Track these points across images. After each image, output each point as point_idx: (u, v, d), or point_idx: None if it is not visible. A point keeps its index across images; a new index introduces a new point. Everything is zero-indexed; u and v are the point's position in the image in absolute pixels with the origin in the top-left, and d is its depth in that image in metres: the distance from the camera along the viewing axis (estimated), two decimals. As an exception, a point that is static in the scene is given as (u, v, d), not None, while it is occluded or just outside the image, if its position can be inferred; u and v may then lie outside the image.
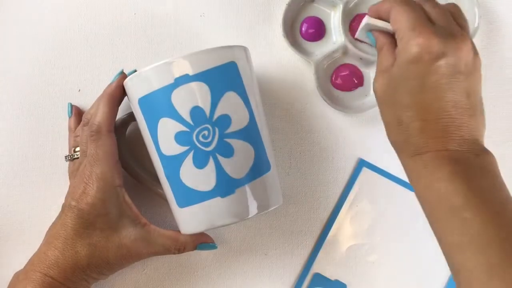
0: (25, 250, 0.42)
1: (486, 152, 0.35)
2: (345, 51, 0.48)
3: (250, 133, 0.39)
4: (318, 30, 0.49)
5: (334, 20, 0.49)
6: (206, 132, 0.37)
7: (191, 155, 0.38)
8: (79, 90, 0.48)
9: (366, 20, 0.42)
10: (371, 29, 0.42)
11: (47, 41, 0.48)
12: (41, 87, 0.48)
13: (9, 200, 0.47)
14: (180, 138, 0.38)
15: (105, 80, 0.42)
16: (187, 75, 0.37)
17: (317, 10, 0.49)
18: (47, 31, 0.48)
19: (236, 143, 0.38)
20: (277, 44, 0.49)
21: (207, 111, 0.37)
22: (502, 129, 0.49)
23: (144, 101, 0.38)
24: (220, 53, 0.38)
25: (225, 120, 0.38)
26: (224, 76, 0.38)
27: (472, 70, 0.36)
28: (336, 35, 0.48)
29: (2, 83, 0.48)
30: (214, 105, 0.37)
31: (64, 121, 0.47)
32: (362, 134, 0.49)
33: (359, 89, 0.49)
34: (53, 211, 0.42)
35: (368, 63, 0.48)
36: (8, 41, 0.48)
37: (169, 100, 0.37)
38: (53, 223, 0.42)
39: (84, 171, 0.40)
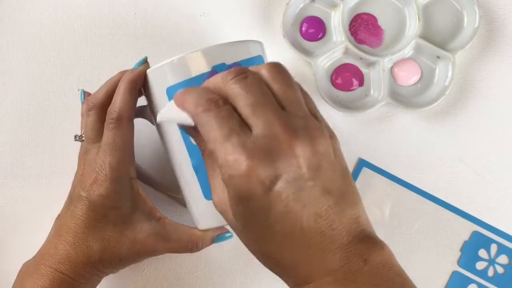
0: (24, 251, 0.42)
1: (374, 250, 0.29)
2: (345, 51, 0.48)
3: None
4: (318, 30, 0.49)
5: (334, 20, 0.48)
6: None
7: None
8: (79, 90, 0.48)
9: (159, 115, 0.33)
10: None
11: (47, 41, 0.48)
12: (41, 87, 0.48)
13: (7, 200, 0.47)
14: None
15: (105, 80, 0.42)
16: (224, 64, 0.37)
17: (317, 10, 0.49)
18: (47, 30, 0.48)
19: None
20: (277, 44, 0.49)
21: None
22: (501, 128, 0.49)
23: (173, 91, 0.37)
24: (251, 46, 0.39)
25: None
26: None
27: (320, 163, 0.28)
28: (336, 35, 0.48)
29: (2, 82, 0.48)
30: None
31: (63, 120, 0.47)
32: (362, 134, 0.49)
33: (359, 89, 0.49)
34: (53, 211, 0.42)
35: (368, 63, 0.48)
36: (8, 41, 0.48)
37: None
38: (62, 213, 0.40)
39: (95, 159, 0.38)
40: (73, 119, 0.47)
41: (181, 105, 0.31)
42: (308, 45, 0.49)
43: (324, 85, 0.48)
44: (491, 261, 0.48)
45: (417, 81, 0.48)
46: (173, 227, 0.41)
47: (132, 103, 0.39)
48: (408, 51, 0.48)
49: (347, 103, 0.48)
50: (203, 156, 0.33)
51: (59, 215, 0.41)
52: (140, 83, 0.39)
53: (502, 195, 0.48)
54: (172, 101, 0.32)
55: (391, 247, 0.47)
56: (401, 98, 0.48)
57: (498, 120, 0.49)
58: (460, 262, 0.48)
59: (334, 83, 0.48)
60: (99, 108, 0.40)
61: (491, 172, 0.49)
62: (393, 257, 0.31)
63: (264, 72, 0.30)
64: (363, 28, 0.48)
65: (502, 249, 0.48)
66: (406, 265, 0.48)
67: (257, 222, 0.29)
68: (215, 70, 0.37)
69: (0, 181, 0.47)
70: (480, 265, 0.48)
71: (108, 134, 0.38)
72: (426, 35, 0.48)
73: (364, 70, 0.49)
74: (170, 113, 0.32)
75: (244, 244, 0.32)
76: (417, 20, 0.48)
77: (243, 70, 0.30)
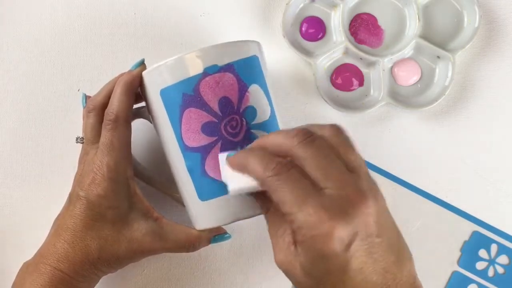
0: (25, 251, 0.42)
1: None
2: (345, 51, 0.48)
3: (271, 126, 0.39)
4: (318, 30, 0.49)
5: (334, 20, 0.48)
6: (234, 123, 0.37)
7: (218, 145, 0.37)
8: (79, 90, 0.48)
9: (231, 191, 0.33)
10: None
11: (47, 41, 0.48)
12: (41, 87, 0.48)
13: (7, 200, 0.47)
14: (207, 128, 0.37)
15: (105, 80, 0.42)
16: (216, 65, 0.37)
17: (317, 10, 0.49)
18: (47, 31, 0.48)
19: (261, 135, 0.38)
20: (277, 44, 0.49)
21: (235, 102, 0.37)
22: (501, 128, 0.49)
23: (167, 92, 0.38)
24: (246, 46, 0.39)
25: (251, 111, 0.38)
26: (249, 69, 0.38)
27: (383, 220, 0.31)
28: (336, 35, 0.48)
29: (2, 82, 0.48)
30: (241, 97, 0.37)
31: (63, 120, 0.47)
32: (362, 134, 0.49)
33: (359, 89, 0.49)
34: (53, 211, 0.42)
35: (368, 63, 0.48)
36: (8, 41, 0.48)
37: (197, 90, 0.37)
38: (61, 213, 0.41)
39: (94, 159, 0.39)
40: (73, 119, 0.47)
41: (241, 169, 0.33)
42: (308, 45, 0.49)
43: (324, 85, 0.48)
44: (491, 261, 0.48)
45: (417, 81, 0.48)
46: (170, 227, 0.41)
47: (128, 105, 0.39)
48: (408, 51, 0.48)
49: (347, 103, 0.48)
50: (265, 216, 0.35)
51: (58, 215, 0.41)
52: (136, 85, 0.39)
53: (502, 195, 0.48)
54: (226, 165, 0.33)
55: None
56: (401, 98, 0.48)
57: (498, 120, 0.49)
58: (460, 262, 0.48)
59: (334, 83, 0.48)
60: (98, 110, 0.40)
61: (491, 172, 0.49)
62: None
63: (329, 136, 0.32)
64: (363, 28, 0.48)
65: (502, 249, 0.48)
66: (406, 265, 0.48)
67: (331, 279, 0.30)
68: (206, 72, 0.37)
69: (0, 181, 0.47)
70: (480, 265, 0.48)
71: (105, 135, 0.39)
72: (426, 35, 0.48)
73: (364, 70, 0.49)
74: (238, 183, 0.33)
75: None
76: (417, 20, 0.48)
77: (309, 133, 0.31)
